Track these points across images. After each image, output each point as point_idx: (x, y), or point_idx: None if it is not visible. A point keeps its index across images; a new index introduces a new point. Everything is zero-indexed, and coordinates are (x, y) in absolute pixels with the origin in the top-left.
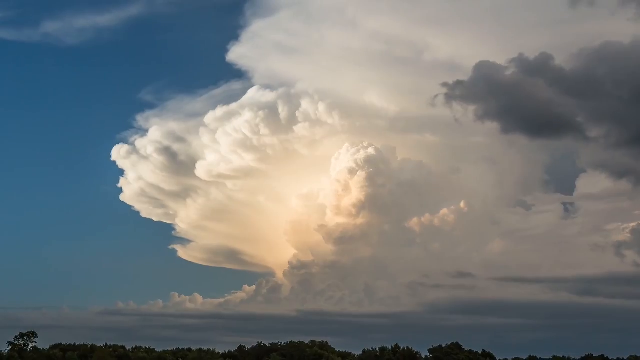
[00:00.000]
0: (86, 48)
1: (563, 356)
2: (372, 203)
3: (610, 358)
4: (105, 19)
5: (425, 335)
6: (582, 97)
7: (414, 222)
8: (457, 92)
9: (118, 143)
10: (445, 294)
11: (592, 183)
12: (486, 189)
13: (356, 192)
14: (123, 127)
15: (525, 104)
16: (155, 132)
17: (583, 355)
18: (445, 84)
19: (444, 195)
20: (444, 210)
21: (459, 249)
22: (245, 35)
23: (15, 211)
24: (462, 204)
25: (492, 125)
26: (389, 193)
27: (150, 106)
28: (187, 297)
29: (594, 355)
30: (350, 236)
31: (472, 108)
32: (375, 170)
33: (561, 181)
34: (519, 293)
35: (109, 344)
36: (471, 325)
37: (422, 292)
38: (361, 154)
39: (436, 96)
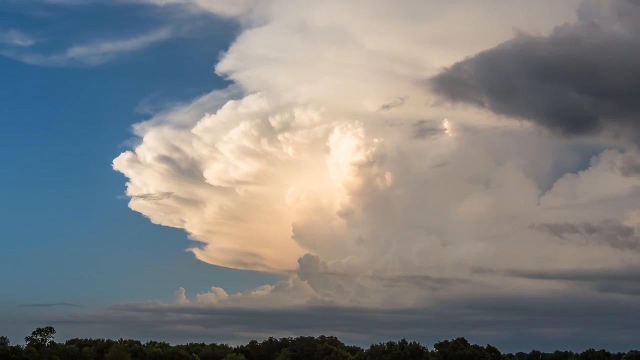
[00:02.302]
0: (107, 69)
1: (565, 351)
2: (382, 201)
3: (611, 353)
4: (130, 43)
5: (439, 330)
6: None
7: (424, 219)
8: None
9: (120, 153)
10: (461, 289)
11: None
12: (502, 184)
13: (364, 192)
14: (123, 137)
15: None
16: (155, 141)
17: (584, 350)
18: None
19: (456, 192)
20: (457, 206)
21: (474, 244)
22: (240, 48)
23: (38, 220)
24: (475, 201)
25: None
26: (398, 192)
27: (148, 117)
28: (205, 295)
29: (595, 350)
30: (361, 233)
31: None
32: (384, 170)
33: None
34: (536, 289)
35: (124, 339)
36: (486, 321)
37: (438, 288)
38: (367, 156)
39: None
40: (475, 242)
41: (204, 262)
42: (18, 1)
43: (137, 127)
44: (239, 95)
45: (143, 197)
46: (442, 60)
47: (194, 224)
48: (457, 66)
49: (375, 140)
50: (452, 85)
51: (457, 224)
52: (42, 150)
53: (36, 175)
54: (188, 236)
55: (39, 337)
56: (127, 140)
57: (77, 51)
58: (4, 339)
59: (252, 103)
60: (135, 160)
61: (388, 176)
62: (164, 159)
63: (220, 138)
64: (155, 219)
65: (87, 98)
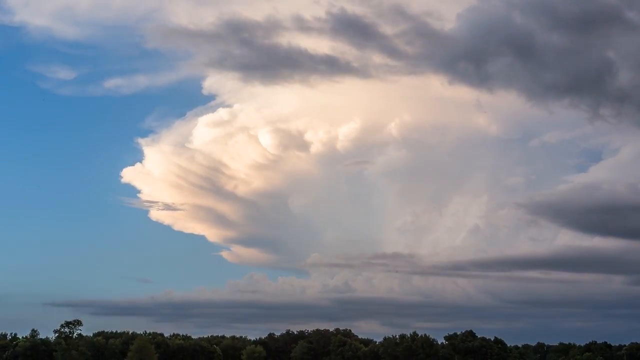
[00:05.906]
0: (136, 97)
1: (569, 343)
2: (391, 199)
3: (612, 345)
4: (160, 75)
5: (451, 321)
6: None
7: (433, 215)
8: None
9: (127, 166)
10: (477, 282)
11: None
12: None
13: (371, 190)
14: (129, 150)
15: None
16: (162, 153)
17: (587, 342)
18: None
19: (469, 187)
20: (467, 202)
21: (490, 236)
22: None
23: (65, 226)
24: (483, 200)
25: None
26: (406, 188)
27: (151, 131)
28: (225, 289)
29: (598, 342)
30: (374, 229)
31: None
32: (387, 170)
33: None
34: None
35: (148, 332)
36: (505, 314)
37: (453, 279)
38: (371, 159)
39: None
40: (491, 234)
41: (226, 261)
42: (64, 39)
43: (141, 142)
44: (229, 105)
45: (157, 206)
46: None
47: (212, 229)
48: None
49: (384, 144)
50: None
51: (472, 217)
52: (67, 167)
53: (59, 191)
54: (212, 242)
55: (66, 330)
56: (133, 156)
57: (113, 82)
58: (34, 331)
59: (246, 115)
60: (142, 172)
61: (392, 176)
62: (170, 170)
63: (224, 149)
64: (177, 227)
65: (111, 120)
